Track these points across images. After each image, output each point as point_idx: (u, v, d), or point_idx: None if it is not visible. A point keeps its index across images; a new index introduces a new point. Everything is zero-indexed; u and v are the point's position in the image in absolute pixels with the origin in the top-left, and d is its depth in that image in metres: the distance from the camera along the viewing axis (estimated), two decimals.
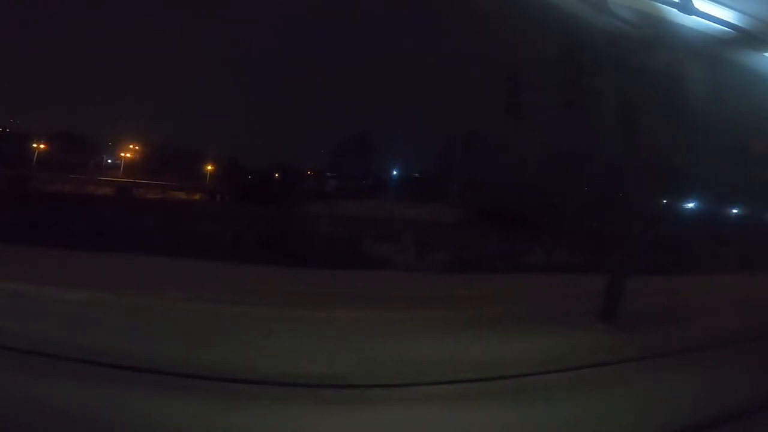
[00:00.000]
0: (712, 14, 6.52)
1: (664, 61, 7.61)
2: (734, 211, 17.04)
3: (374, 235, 11.25)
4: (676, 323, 6.23)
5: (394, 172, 16.72)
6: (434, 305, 6.95)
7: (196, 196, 17.79)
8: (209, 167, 17.81)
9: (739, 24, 6.69)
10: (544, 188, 15.53)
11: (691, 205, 17.16)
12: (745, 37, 6.93)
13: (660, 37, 6.81)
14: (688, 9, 6.29)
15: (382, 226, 12.15)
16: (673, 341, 5.26)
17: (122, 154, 18.23)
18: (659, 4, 6.32)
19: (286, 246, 10.09)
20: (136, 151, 17.99)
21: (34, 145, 16.97)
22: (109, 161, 18.69)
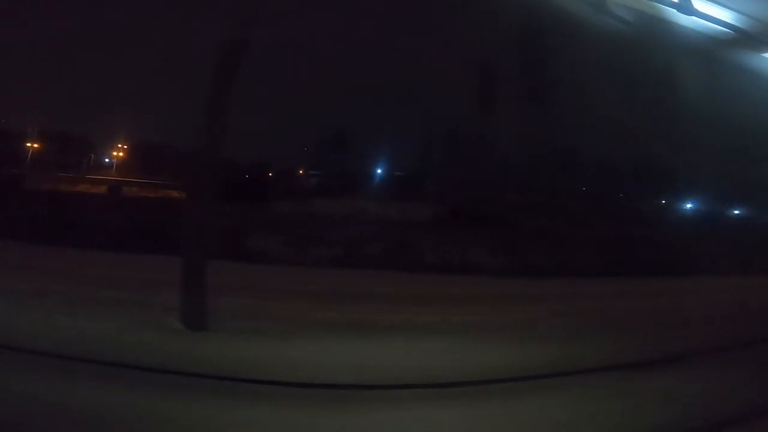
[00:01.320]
0: (711, 15, 6.48)
1: (663, 61, 7.55)
2: (735, 212, 17.00)
3: (268, 229, 11.21)
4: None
5: (378, 171, 16.78)
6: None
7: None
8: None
9: (739, 25, 6.65)
10: (511, 186, 15.55)
11: (688, 205, 17.14)
12: (744, 38, 6.88)
13: (659, 37, 6.74)
14: (687, 9, 6.23)
15: (294, 222, 12.02)
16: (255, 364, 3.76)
17: (115, 153, 18.07)
18: (659, 5, 6.26)
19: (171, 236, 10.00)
20: (127, 150, 17.85)
21: (28, 144, 16.79)
22: (107, 160, 18.57)
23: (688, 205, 17.07)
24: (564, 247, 12.15)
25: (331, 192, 16.31)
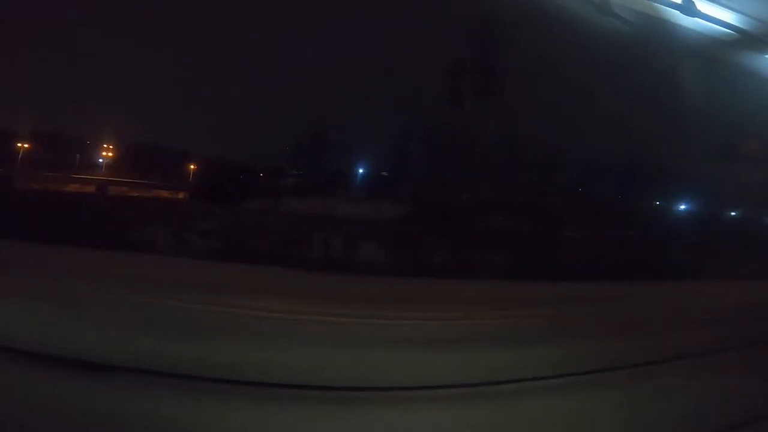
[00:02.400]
0: (714, 16, 6.33)
1: (666, 63, 7.41)
2: (732, 213, 16.97)
3: (158, 221, 11.07)
4: None
5: (360, 170, 16.76)
6: None
7: (180, 195, 17.62)
8: (192, 166, 17.62)
9: (742, 26, 6.51)
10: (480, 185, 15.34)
11: (683, 207, 17.06)
12: (747, 40, 6.74)
13: (661, 39, 6.60)
14: (690, 11, 6.09)
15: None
16: None
17: (105, 153, 17.89)
18: (660, 6, 6.11)
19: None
20: (117, 150, 17.68)
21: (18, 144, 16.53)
22: (100, 160, 18.37)
23: (682, 207, 17.00)
24: (499, 247, 11.21)
25: (287, 190, 16.26)
